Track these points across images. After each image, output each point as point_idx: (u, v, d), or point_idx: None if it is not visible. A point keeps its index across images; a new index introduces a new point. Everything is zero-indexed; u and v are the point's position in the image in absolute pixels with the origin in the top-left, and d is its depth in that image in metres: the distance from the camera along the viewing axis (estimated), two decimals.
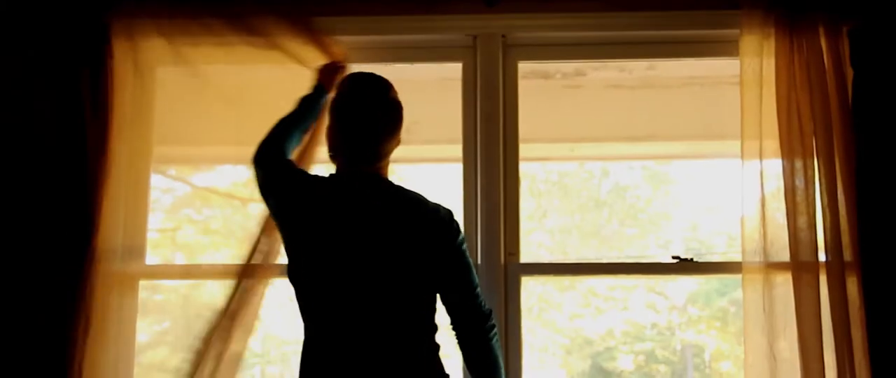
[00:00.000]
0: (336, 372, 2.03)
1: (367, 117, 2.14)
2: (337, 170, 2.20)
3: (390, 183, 2.18)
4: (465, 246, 2.16)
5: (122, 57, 2.70)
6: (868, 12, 2.58)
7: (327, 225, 2.08)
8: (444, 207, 2.18)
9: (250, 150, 2.74)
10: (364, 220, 2.08)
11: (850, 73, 2.59)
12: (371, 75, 2.25)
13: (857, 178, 2.51)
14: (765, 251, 2.56)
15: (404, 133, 2.25)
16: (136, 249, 2.73)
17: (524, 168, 2.69)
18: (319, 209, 2.11)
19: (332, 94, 2.36)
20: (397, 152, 2.25)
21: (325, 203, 2.11)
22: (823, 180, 2.51)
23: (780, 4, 2.60)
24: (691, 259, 2.64)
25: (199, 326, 2.67)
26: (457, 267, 2.12)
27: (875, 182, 2.50)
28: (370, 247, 2.06)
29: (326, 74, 2.47)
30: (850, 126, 2.55)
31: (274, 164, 2.22)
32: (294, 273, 2.13)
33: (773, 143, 2.55)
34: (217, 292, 2.81)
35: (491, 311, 2.16)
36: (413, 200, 2.15)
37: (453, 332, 2.14)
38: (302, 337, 2.12)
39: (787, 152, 2.56)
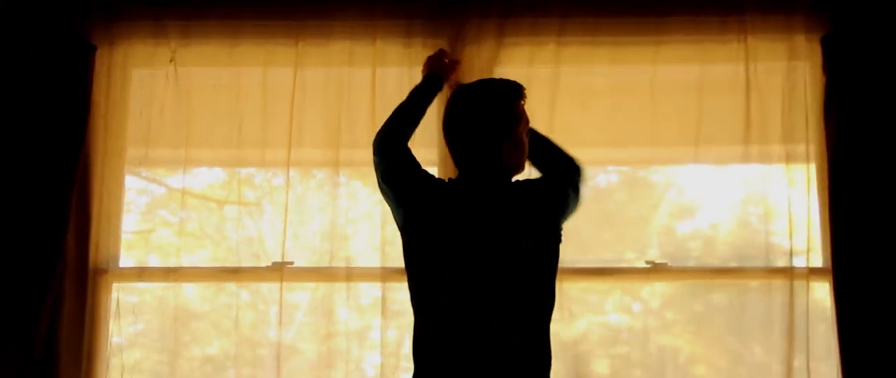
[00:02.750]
0: (458, 361, 2.02)
1: (484, 127, 2.12)
2: (458, 174, 2.19)
3: (510, 182, 2.18)
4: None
5: (100, 58, 2.70)
6: (842, 19, 2.61)
7: (452, 224, 2.09)
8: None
9: (226, 152, 2.77)
10: (484, 220, 2.08)
11: (822, 79, 2.62)
12: (499, 82, 2.22)
13: (831, 183, 2.53)
14: (740, 256, 2.59)
15: None
16: (110, 251, 2.71)
17: None
18: (444, 209, 2.11)
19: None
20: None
21: (449, 204, 2.12)
22: (799, 186, 2.53)
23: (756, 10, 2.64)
24: (665, 263, 2.66)
25: (174, 329, 2.67)
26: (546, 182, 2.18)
27: (848, 188, 2.53)
28: (490, 242, 2.06)
29: (439, 65, 2.39)
30: (825, 132, 2.58)
31: (398, 156, 2.20)
32: (414, 263, 2.13)
33: (754, 148, 2.58)
34: (192, 295, 2.81)
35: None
36: (523, 185, 2.17)
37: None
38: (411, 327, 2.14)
39: (763, 158, 2.59)
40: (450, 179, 2.21)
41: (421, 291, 2.12)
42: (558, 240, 2.13)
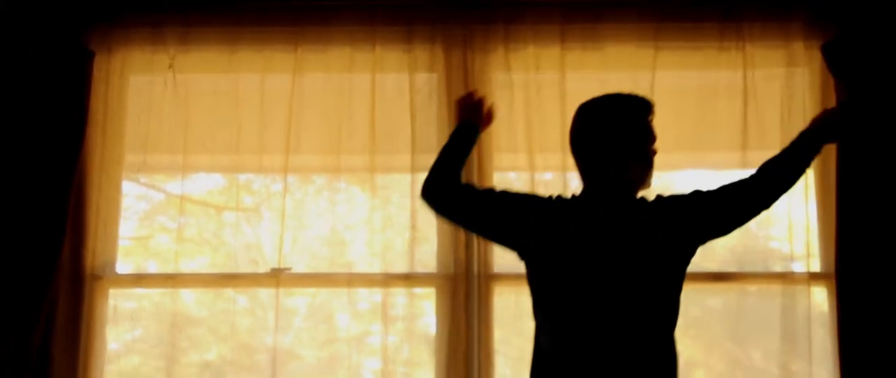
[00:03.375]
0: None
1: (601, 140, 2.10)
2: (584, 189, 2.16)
3: (642, 198, 2.16)
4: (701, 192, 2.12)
5: (98, 64, 2.69)
6: (842, 26, 2.62)
7: (576, 240, 2.06)
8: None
9: (225, 158, 2.76)
10: (614, 234, 2.06)
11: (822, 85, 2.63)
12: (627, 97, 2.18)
13: (839, 189, 2.54)
14: (739, 261, 2.59)
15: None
16: (107, 257, 2.70)
17: (501, 177, 2.71)
18: (561, 226, 2.09)
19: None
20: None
21: (568, 220, 2.09)
22: (797, 192, 2.54)
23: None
24: None
25: (172, 334, 2.66)
26: (706, 202, 2.09)
27: (854, 194, 2.53)
28: (619, 256, 2.04)
29: (470, 110, 2.35)
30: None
31: (460, 193, 2.20)
32: (536, 282, 2.12)
33: (753, 154, 2.58)
34: (190, 300, 2.80)
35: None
36: (663, 202, 2.14)
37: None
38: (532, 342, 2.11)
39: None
40: (563, 197, 2.19)
41: (545, 307, 2.10)
42: (689, 256, 2.10)
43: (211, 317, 2.84)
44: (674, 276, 2.07)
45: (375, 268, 2.69)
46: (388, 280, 2.66)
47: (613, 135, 2.10)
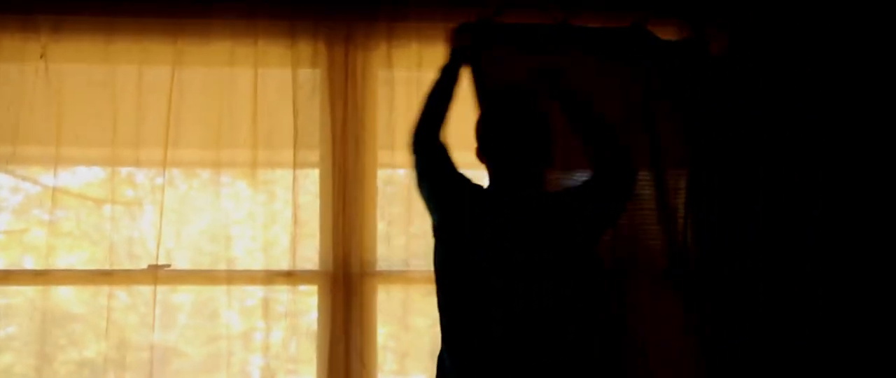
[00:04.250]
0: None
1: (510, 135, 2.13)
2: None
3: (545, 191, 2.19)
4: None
5: None
6: None
7: (489, 234, 2.07)
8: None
9: (101, 151, 2.68)
10: (519, 230, 2.07)
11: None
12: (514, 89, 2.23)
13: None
14: None
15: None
16: None
17: (385, 175, 2.70)
18: (482, 217, 2.09)
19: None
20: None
21: (486, 212, 2.09)
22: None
23: None
24: None
25: (48, 332, 2.59)
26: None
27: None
28: (525, 251, 2.05)
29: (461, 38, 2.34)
30: None
31: (432, 153, 2.17)
32: (447, 269, 2.10)
33: None
34: (68, 297, 2.72)
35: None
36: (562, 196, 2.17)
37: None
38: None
39: None
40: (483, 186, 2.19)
41: (453, 298, 2.10)
42: (593, 245, 2.13)
43: (90, 313, 2.76)
44: (578, 269, 2.09)
45: (259, 264, 2.65)
46: (269, 277, 2.63)
47: (498, 135, 2.12)
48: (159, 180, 2.69)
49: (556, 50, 2.45)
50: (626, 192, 2.23)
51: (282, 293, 2.65)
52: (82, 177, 2.82)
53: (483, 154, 2.19)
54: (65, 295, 2.74)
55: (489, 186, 2.19)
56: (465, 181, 2.18)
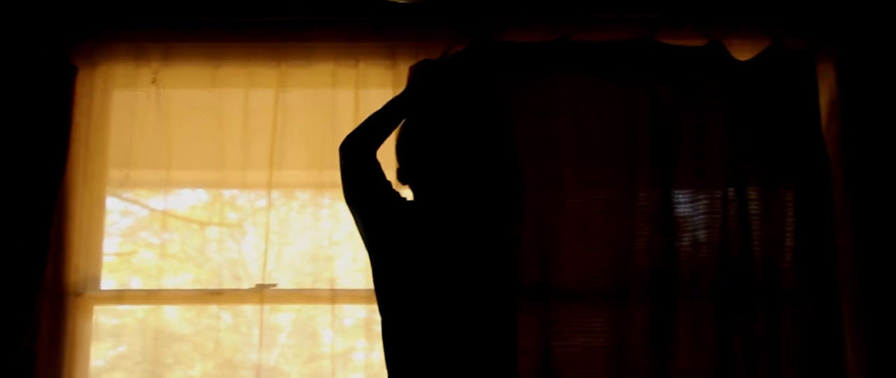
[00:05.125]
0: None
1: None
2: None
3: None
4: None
5: (81, 79, 2.69)
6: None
7: (414, 247, 2.08)
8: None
9: (208, 174, 2.75)
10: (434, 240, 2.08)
11: None
12: None
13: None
14: None
15: None
16: (89, 273, 2.68)
17: None
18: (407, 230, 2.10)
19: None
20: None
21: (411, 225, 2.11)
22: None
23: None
24: None
25: (158, 351, 2.65)
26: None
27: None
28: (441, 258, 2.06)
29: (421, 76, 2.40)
30: None
31: (365, 161, 2.16)
32: (382, 280, 2.12)
33: None
34: (174, 316, 2.78)
35: None
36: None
37: None
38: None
39: None
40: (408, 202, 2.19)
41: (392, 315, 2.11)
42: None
43: (195, 333, 2.82)
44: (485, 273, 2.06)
45: (360, 283, 2.67)
46: (371, 296, 2.63)
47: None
48: (261, 202, 2.75)
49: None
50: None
51: None
52: (186, 200, 2.90)
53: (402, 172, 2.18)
54: (171, 315, 2.81)
55: (414, 200, 2.17)
56: (395, 193, 2.17)
